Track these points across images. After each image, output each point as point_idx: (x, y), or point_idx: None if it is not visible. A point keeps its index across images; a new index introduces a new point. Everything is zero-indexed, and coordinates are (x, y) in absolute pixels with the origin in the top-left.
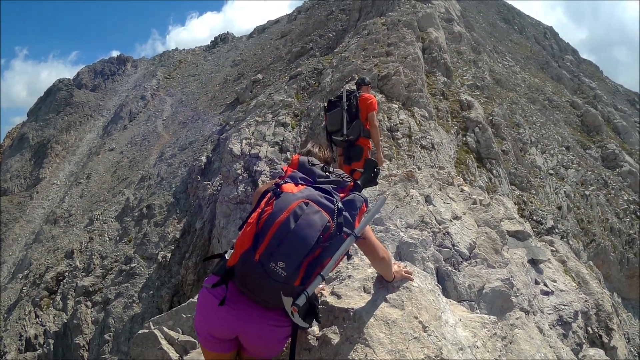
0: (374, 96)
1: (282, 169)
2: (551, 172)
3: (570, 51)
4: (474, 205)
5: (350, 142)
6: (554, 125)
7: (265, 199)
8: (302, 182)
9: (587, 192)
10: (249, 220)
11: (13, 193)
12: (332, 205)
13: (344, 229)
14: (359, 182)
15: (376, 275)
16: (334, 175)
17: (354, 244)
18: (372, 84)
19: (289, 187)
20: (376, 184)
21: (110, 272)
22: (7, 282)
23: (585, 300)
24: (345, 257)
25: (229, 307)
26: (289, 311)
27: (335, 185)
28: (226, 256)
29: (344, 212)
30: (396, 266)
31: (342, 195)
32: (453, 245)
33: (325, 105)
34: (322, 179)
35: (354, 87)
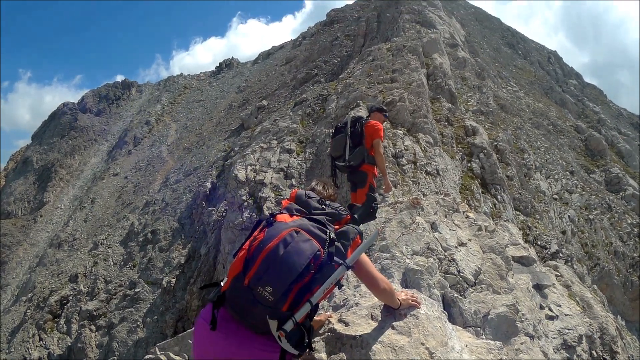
0: (382, 123)
1: (282, 203)
2: (555, 196)
3: (574, 75)
4: (479, 232)
5: (352, 168)
6: (558, 150)
7: (259, 228)
8: (297, 214)
9: (591, 216)
10: (242, 247)
11: (17, 216)
12: (324, 235)
13: (335, 258)
14: (356, 216)
15: (383, 303)
16: (329, 208)
17: (357, 276)
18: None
19: (282, 217)
20: (374, 218)
21: (114, 297)
22: (11, 304)
23: (590, 324)
24: (337, 286)
25: (220, 332)
26: (275, 335)
27: (330, 218)
28: (222, 284)
29: (336, 243)
30: (403, 294)
31: (336, 227)
32: (459, 271)
33: (332, 131)
34: (318, 211)
35: (365, 114)
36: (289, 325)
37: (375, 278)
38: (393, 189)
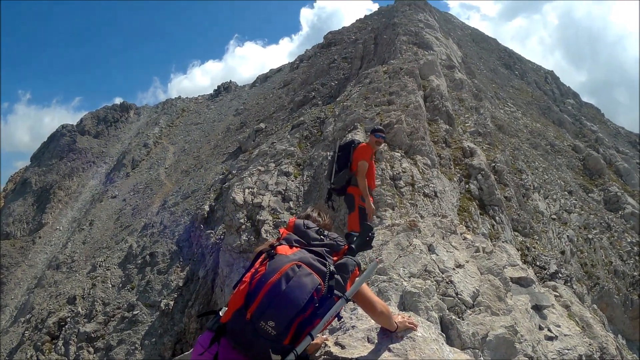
0: (374, 144)
1: (279, 232)
2: (554, 217)
3: (571, 95)
4: (477, 253)
5: (338, 191)
6: (556, 169)
7: (259, 260)
8: (297, 245)
9: (590, 236)
10: (243, 279)
11: (15, 237)
12: (324, 268)
13: (335, 291)
14: (353, 246)
15: (380, 325)
16: (328, 239)
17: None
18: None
19: (283, 249)
20: (371, 247)
21: (112, 319)
22: (9, 325)
23: (590, 344)
24: (336, 318)
25: None
26: None
27: (328, 249)
28: (220, 313)
29: (335, 275)
30: (400, 317)
31: (335, 258)
32: (456, 293)
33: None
34: (317, 242)
35: (363, 136)
36: (290, 357)
37: (373, 302)
38: (391, 210)
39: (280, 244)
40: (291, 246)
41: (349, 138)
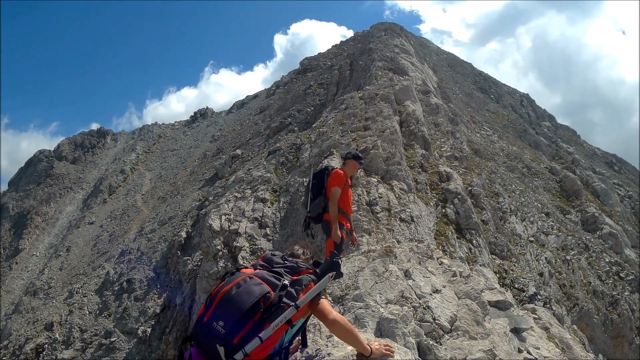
0: (345, 170)
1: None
2: (531, 239)
3: (547, 117)
4: (454, 278)
5: (314, 220)
6: (533, 192)
7: (224, 279)
8: (260, 267)
9: (568, 257)
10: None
11: None
12: (277, 282)
13: (284, 299)
14: (317, 270)
15: (356, 352)
16: (289, 262)
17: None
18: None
19: (245, 270)
20: (341, 275)
21: (90, 346)
22: None
23: None
24: (301, 342)
25: None
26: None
27: (288, 269)
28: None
29: (288, 288)
30: (376, 343)
31: (294, 277)
32: (434, 319)
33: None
34: (278, 264)
35: (339, 162)
36: (239, 356)
37: (324, 311)
38: (367, 236)
39: (246, 267)
40: (255, 268)
41: (323, 164)
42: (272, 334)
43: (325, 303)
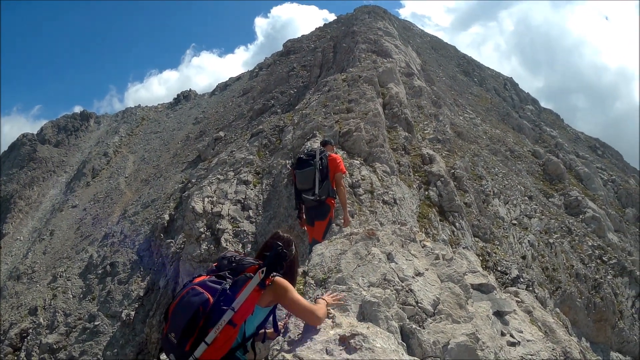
0: (340, 156)
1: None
2: (514, 222)
3: (530, 101)
4: (437, 261)
5: (319, 202)
6: (516, 175)
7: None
8: (210, 273)
9: (551, 240)
10: None
11: None
12: (218, 287)
13: (221, 303)
14: (263, 262)
15: (339, 337)
16: (235, 264)
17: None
18: (334, 140)
19: (198, 279)
20: (283, 262)
21: (74, 330)
22: None
23: (553, 349)
24: (273, 327)
25: None
26: None
27: (233, 271)
28: None
29: (227, 292)
30: (327, 297)
31: (235, 278)
32: (417, 302)
33: (294, 162)
34: (225, 268)
35: (320, 147)
36: None
37: (299, 303)
38: (351, 219)
39: (200, 275)
40: (207, 274)
41: (317, 147)
42: (218, 336)
43: (281, 287)
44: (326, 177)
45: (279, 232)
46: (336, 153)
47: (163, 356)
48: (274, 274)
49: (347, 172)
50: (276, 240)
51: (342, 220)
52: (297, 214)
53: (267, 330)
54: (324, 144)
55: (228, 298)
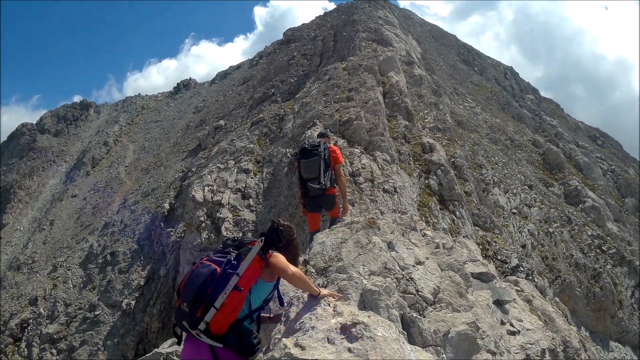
0: (338, 147)
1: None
2: (514, 211)
3: (530, 90)
4: (437, 249)
5: (324, 191)
6: (516, 164)
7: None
8: (216, 252)
9: (550, 230)
10: None
11: None
12: (223, 259)
13: (227, 270)
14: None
15: (340, 326)
16: (237, 242)
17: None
18: (334, 129)
19: (205, 259)
20: (280, 242)
21: (74, 320)
22: None
23: (552, 338)
24: (278, 301)
25: (185, 342)
26: (193, 333)
27: (235, 247)
28: None
29: (232, 261)
30: (326, 291)
31: (238, 252)
32: (417, 291)
33: (297, 152)
34: (228, 246)
35: (318, 138)
36: (202, 326)
37: (282, 267)
38: (350, 208)
39: (207, 256)
40: (214, 254)
41: (317, 139)
42: (225, 301)
43: (279, 261)
44: (329, 167)
45: (280, 219)
46: (336, 144)
47: (177, 347)
48: (273, 250)
49: (347, 161)
50: (273, 221)
51: (342, 209)
52: (302, 201)
53: (270, 316)
54: (321, 135)
55: (233, 266)
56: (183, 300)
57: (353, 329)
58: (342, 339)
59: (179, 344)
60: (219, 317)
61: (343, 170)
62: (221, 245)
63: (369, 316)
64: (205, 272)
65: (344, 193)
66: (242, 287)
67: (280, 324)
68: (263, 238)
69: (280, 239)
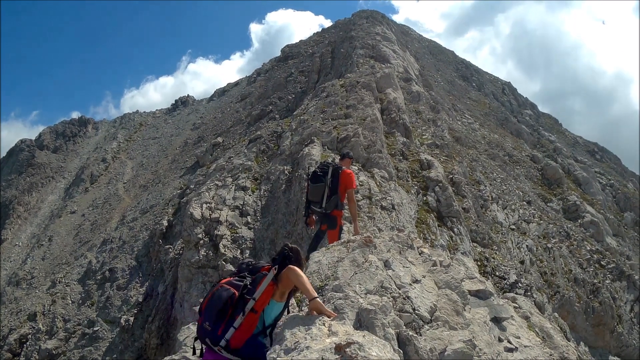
0: (353, 172)
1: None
2: (513, 227)
3: (529, 105)
4: (434, 267)
5: (324, 214)
6: (515, 180)
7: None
8: (232, 275)
9: (549, 245)
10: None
11: None
12: (240, 283)
13: (245, 295)
14: (274, 263)
15: (334, 345)
16: (251, 267)
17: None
18: (332, 146)
19: (223, 280)
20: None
21: (73, 336)
22: None
23: (550, 355)
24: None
25: (205, 355)
26: (215, 349)
27: (250, 272)
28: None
29: (249, 286)
30: (320, 304)
31: (254, 277)
32: (414, 309)
33: (309, 175)
34: (244, 270)
35: (334, 162)
36: (222, 343)
37: (298, 277)
38: (348, 224)
39: (225, 278)
40: (231, 277)
41: (332, 161)
42: (243, 321)
43: (291, 272)
44: (335, 192)
45: (288, 244)
46: (352, 165)
47: (198, 344)
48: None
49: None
50: (284, 247)
51: (353, 231)
52: (304, 220)
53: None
54: (342, 156)
55: (250, 291)
56: (205, 319)
57: (347, 349)
58: (336, 358)
59: (193, 354)
60: (237, 335)
61: (356, 195)
62: (237, 269)
63: (363, 336)
64: (225, 295)
65: (354, 216)
66: (257, 309)
67: (276, 344)
68: (277, 266)
69: (291, 263)
